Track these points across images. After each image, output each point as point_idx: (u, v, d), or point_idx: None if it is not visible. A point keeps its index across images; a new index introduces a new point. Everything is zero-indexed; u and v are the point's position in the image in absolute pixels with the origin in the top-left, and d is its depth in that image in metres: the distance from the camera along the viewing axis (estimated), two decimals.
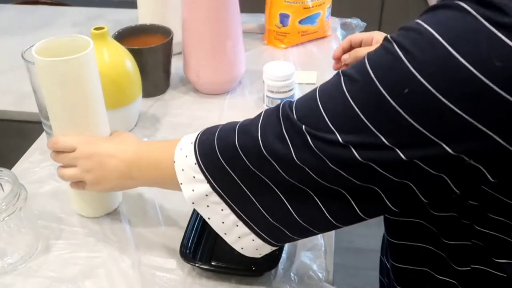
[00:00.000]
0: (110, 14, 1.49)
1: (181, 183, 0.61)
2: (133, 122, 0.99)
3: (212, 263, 0.71)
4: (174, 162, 0.62)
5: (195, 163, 0.59)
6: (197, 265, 0.69)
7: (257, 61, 1.21)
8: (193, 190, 0.60)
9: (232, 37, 1.04)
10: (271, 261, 0.69)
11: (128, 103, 0.94)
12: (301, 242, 0.74)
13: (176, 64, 1.15)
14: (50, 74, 0.66)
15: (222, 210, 0.59)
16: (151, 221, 0.78)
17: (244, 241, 0.60)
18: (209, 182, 0.58)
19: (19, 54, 0.76)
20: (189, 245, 0.71)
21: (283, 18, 1.24)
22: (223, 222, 0.60)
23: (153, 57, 1.04)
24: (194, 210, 0.76)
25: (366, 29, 1.34)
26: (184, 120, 1.02)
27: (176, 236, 0.74)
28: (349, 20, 1.38)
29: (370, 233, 1.98)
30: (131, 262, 0.71)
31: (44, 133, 0.94)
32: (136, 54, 0.97)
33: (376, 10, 2.61)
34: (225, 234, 0.61)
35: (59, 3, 1.73)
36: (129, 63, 0.92)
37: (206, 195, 0.59)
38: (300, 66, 1.20)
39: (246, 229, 0.59)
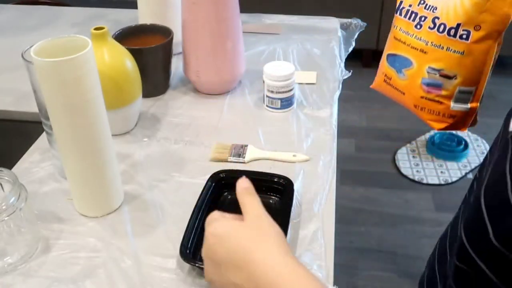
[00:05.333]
0: (110, 14, 1.49)
1: None
2: (133, 122, 0.99)
3: None
4: None
5: None
6: (197, 265, 0.69)
7: (257, 61, 1.21)
8: None
9: (232, 37, 1.04)
10: None
11: (128, 103, 0.94)
12: (300, 241, 0.74)
13: (176, 64, 1.15)
14: (49, 75, 0.66)
15: None
16: (151, 221, 0.78)
17: None
18: None
19: (19, 54, 0.76)
20: (189, 245, 0.71)
21: None
22: None
23: (153, 57, 1.04)
24: (194, 210, 0.76)
25: (366, 29, 1.34)
26: (184, 120, 1.02)
27: (176, 236, 0.74)
28: (349, 20, 1.38)
29: (370, 233, 1.98)
30: (131, 262, 0.71)
31: (44, 133, 0.94)
32: (136, 54, 0.97)
33: (376, 10, 2.61)
34: None
35: (59, 3, 1.73)
36: (129, 63, 0.92)
37: None
38: (300, 66, 1.20)
39: None
